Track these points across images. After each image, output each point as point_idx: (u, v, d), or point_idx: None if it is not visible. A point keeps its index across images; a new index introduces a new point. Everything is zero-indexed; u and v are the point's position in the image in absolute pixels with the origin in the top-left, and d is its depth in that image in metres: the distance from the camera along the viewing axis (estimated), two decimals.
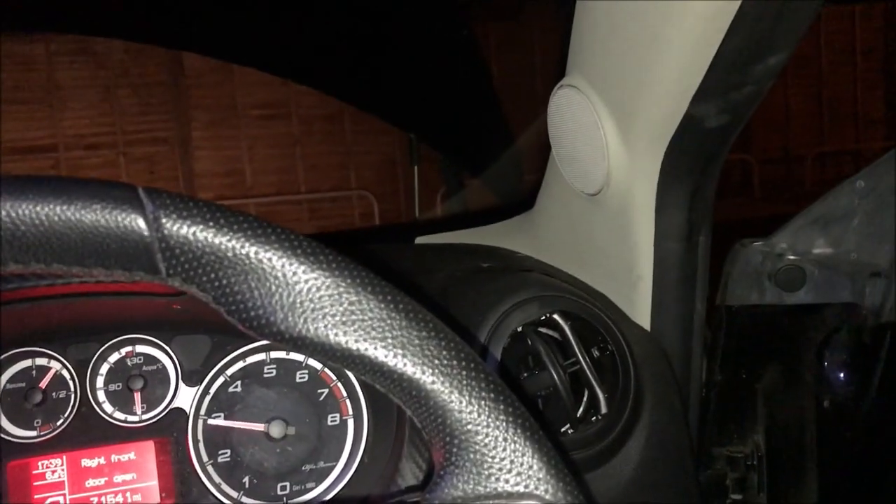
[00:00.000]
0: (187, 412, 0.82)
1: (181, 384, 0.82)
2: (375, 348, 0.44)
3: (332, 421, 0.84)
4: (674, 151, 0.78)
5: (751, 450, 1.04)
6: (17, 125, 6.45)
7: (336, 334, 0.43)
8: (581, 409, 0.81)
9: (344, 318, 0.43)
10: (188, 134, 6.79)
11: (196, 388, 0.82)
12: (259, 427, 0.82)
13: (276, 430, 0.82)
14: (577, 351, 0.80)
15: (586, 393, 0.82)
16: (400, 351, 0.44)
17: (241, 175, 6.84)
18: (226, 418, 0.82)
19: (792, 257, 0.95)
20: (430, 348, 0.44)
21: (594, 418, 0.80)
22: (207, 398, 0.82)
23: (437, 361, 0.44)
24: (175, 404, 0.82)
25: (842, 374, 0.95)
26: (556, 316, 0.81)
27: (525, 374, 0.81)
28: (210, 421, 0.82)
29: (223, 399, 0.83)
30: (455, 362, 0.44)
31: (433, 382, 0.44)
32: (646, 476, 0.81)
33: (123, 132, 6.66)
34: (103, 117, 6.62)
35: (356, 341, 0.43)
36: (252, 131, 7.05)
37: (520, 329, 0.80)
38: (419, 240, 1.15)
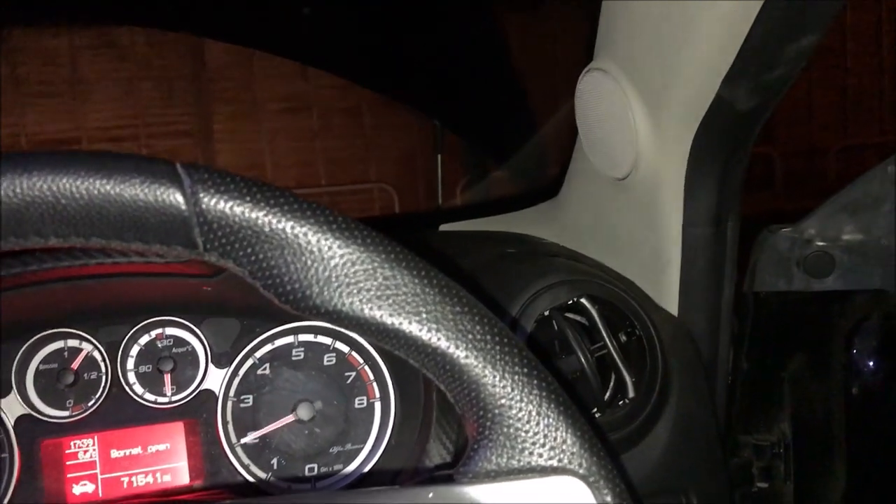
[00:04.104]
0: (216, 394, 0.82)
1: (210, 366, 0.83)
2: (409, 322, 0.44)
3: (359, 404, 0.85)
4: (704, 134, 0.78)
5: (777, 438, 1.04)
6: (41, 118, 6.51)
7: (371, 308, 0.44)
8: (608, 394, 0.81)
9: (378, 293, 0.44)
10: (210, 127, 6.83)
11: (225, 370, 0.83)
12: (287, 409, 0.83)
13: (304, 412, 0.83)
14: (604, 335, 0.80)
15: (613, 377, 0.82)
16: (434, 325, 0.44)
17: (262, 168, 6.87)
18: (254, 400, 0.83)
19: (821, 243, 0.94)
20: (463, 323, 0.44)
21: (621, 402, 0.80)
22: (236, 380, 0.83)
23: (470, 336, 0.44)
24: (204, 386, 0.83)
25: (871, 362, 0.94)
26: (583, 300, 0.81)
27: (552, 359, 0.81)
28: (239, 403, 0.83)
29: (252, 381, 0.83)
30: (489, 337, 0.44)
31: (467, 357, 0.44)
32: (673, 460, 0.81)
33: (146, 125, 6.71)
34: (126, 110, 6.67)
35: (390, 315, 0.44)
36: (272, 125, 7.07)
37: (547, 313, 0.80)
38: (443, 227, 1.15)
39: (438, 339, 0.44)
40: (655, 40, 0.75)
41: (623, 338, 0.83)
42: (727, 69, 0.71)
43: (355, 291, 0.43)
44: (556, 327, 0.81)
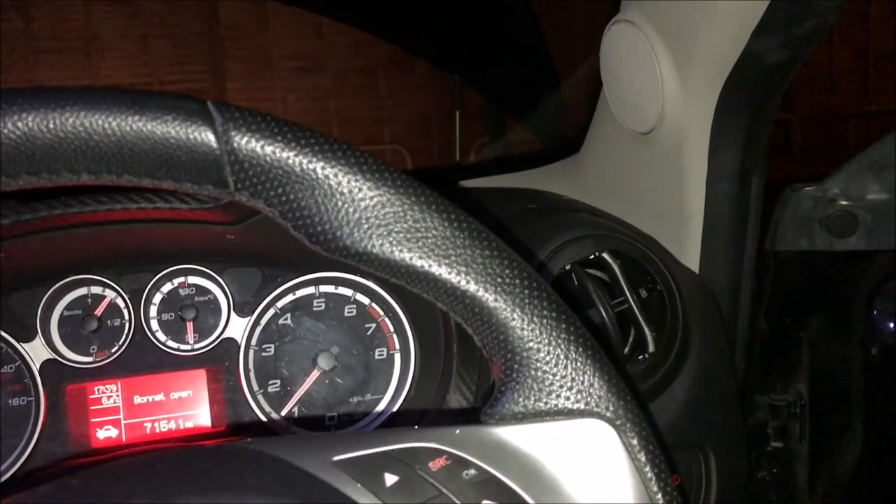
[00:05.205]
0: (238, 342, 0.83)
1: (233, 315, 0.83)
2: (439, 265, 0.44)
3: (379, 355, 0.85)
4: (731, 88, 0.77)
5: (793, 398, 1.04)
6: (55, 74, 6.49)
7: (401, 251, 0.43)
8: (628, 348, 0.82)
9: (408, 236, 0.44)
10: (223, 85, 6.79)
11: (247, 318, 0.83)
12: (308, 358, 0.84)
13: (325, 362, 0.83)
14: (625, 290, 0.80)
15: (633, 332, 0.82)
16: (463, 269, 0.44)
17: None
18: (276, 349, 0.84)
19: (844, 203, 0.93)
20: (493, 267, 0.44)
21: (641, 357, 0.80)
22: (258, 329, 0.84)
23: (499, 280, 0.44)
24: (227, 334, 0.83)
25: (892, 323, 0.94)
26: (605, 255, 0.81)
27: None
28: (261, 351, 0.83)
29: (273, 330, 0.84)
30: (518, 281, 0.44)
31: (496, 300, 0.44)
32: (691, 415, 0.81)
33: (160, 82, 6.67)
34: (139, 67, 6.63)
35: (420, 258, 0.44)
36: (286, 83, 7.02)
37: (568, 267, 0.80)
38: (462, 184, 1.15)
39: (468, 281, 0.44)
40: None
41: (644, 293, 0.83)
42: (757, 21, 0.70)
43: (385, 233, 0.43)
44: (576, 282, 0.81)
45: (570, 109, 1.20)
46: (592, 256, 0.81)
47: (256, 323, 0.84)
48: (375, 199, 0.43)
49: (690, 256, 0.88)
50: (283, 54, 7.04)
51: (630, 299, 0.80)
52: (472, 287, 0.44)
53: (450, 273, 0.44)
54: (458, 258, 0.44)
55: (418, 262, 0.44)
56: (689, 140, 0.82)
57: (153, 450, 0.48)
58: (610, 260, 0.80)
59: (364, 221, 0.43)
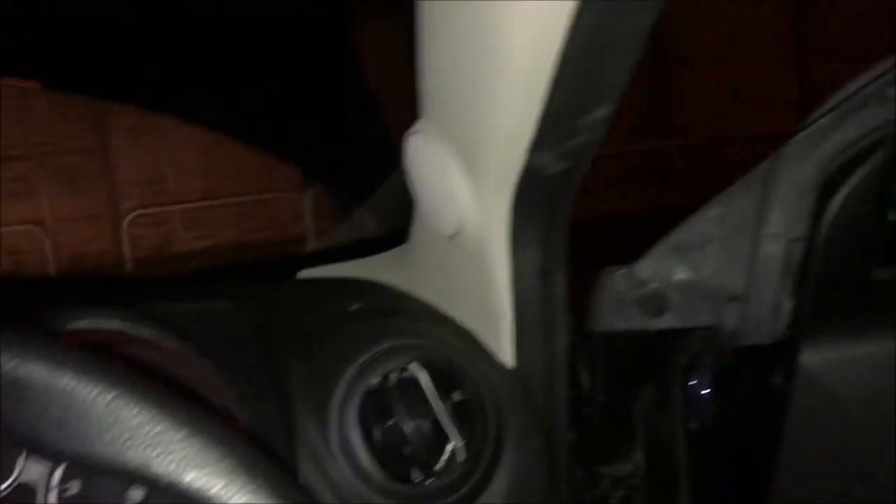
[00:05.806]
0: (38, 484, 0.79)
1: (31, 455, 0.79)
2: (128, 456, 0.44)
3: None
4: (520, 197, 0.79)
5: (633, 468, 1.07)
6: None
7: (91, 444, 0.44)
8: (443, 457, 0.82)
9: (102, 426, 0.44)
10: (108, 142, 6.60)
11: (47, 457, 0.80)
12: (119, 492, 0.80)
13: (137, 494, 0.80)
14: (434, 400, 0.81)
15: (448, 440, 0.82)
16: (168, 458, 0.44)
17: (164, 182, 6.69)
18: (81, 487, 0.80)
19: (654, 284, 0.97)
20: (208, 459, 0.44)
21: (453, 465, 0.80)
22: (61, 467, 0.80)
23: (204, 470, 0.44)
24: (23, 478, 0.79)
25: (705, 397, 0.98)
26: (412, 366, 0.81)
27: (387, 424, 0.81)
28: (63, 491, 0.80)
29: (78, 465, 0.80)
30: (223, 464, 0.45)
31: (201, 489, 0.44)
32: None
33: (39, 143, 6.43)
34: (16, 127, 6.38)
35: (116, 451, 0.44)
36: (174, 135, 6.88)
37: (379, 380, 0.80)
38: (303, 273, 1.14)
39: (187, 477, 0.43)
40: (467, 108, 0.76)
41: (457, 398, 0.83)
42: (531, 139, 0.72)
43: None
44: (389, 393, 0.81)
45: (403, 199, 1.21)
46: (402, 368, 0.81)
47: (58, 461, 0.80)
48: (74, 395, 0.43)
49: (505, 351, 0.89)
50: None
51: (439, 409, 0.80)
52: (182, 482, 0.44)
53: (151, 465, 0.44)
54: (158, 449, 0.44)
55: (110, 454, 0.44)
56: (490, 243, 0.83)
57: None
58: (417, 371, 0.81)
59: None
